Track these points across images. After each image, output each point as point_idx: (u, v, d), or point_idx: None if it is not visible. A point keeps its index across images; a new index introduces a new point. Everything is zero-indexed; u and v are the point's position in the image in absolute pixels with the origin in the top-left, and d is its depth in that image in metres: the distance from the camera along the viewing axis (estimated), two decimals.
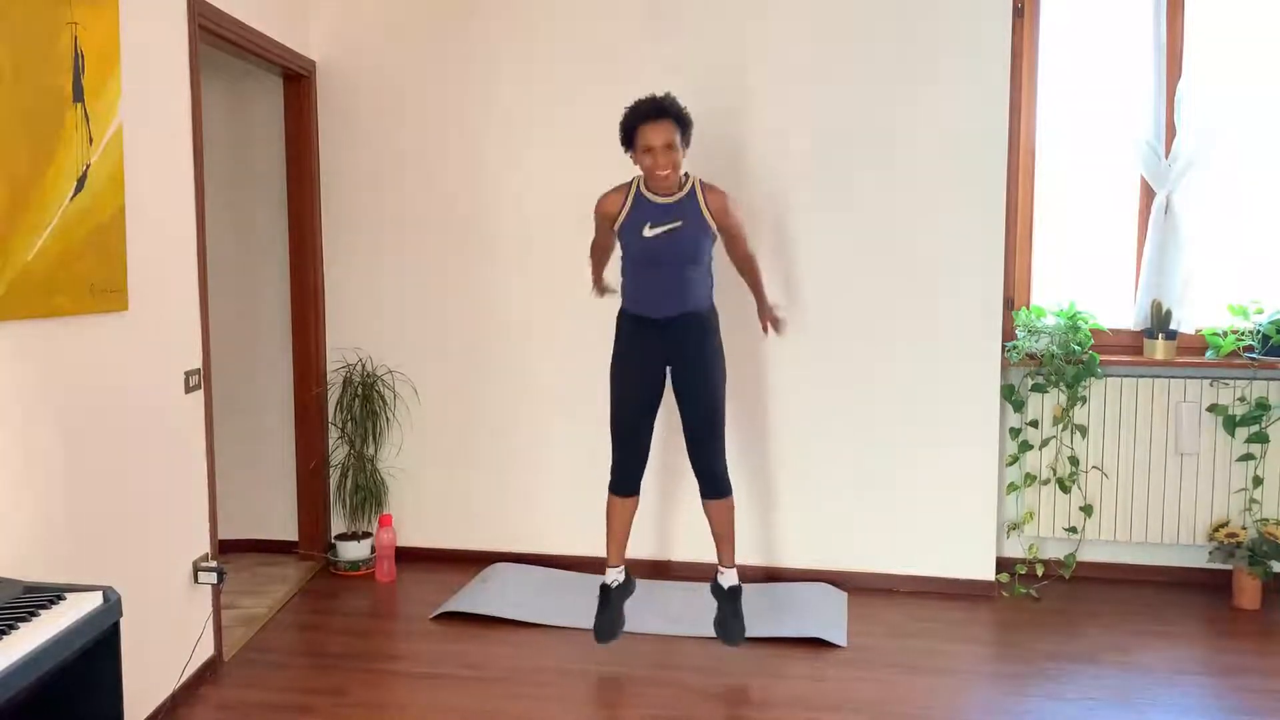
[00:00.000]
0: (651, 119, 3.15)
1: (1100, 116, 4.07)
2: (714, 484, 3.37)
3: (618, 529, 3.45)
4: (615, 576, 3.44)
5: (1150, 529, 4.06)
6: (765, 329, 3.59)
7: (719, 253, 3.43)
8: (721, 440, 3.37)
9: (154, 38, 3.00)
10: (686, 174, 3.28)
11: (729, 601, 3.39)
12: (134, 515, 2.90)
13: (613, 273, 3.62)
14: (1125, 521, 4.08)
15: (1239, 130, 3.96)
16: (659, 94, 3.23)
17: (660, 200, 3.23)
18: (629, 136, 3.21)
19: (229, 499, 4.31)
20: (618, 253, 3.45)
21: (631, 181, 3.32)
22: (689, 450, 3.39)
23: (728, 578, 3.41)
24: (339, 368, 4.42)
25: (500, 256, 4.29)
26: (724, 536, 3.41)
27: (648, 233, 3.23)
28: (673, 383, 3.38)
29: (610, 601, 3.41)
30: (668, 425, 3.61)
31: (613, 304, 4.18)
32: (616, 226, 3.32)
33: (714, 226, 3.28)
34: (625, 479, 3.42)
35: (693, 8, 4.06)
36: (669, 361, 3.36)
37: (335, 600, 4.05)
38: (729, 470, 3.42)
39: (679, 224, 3.22)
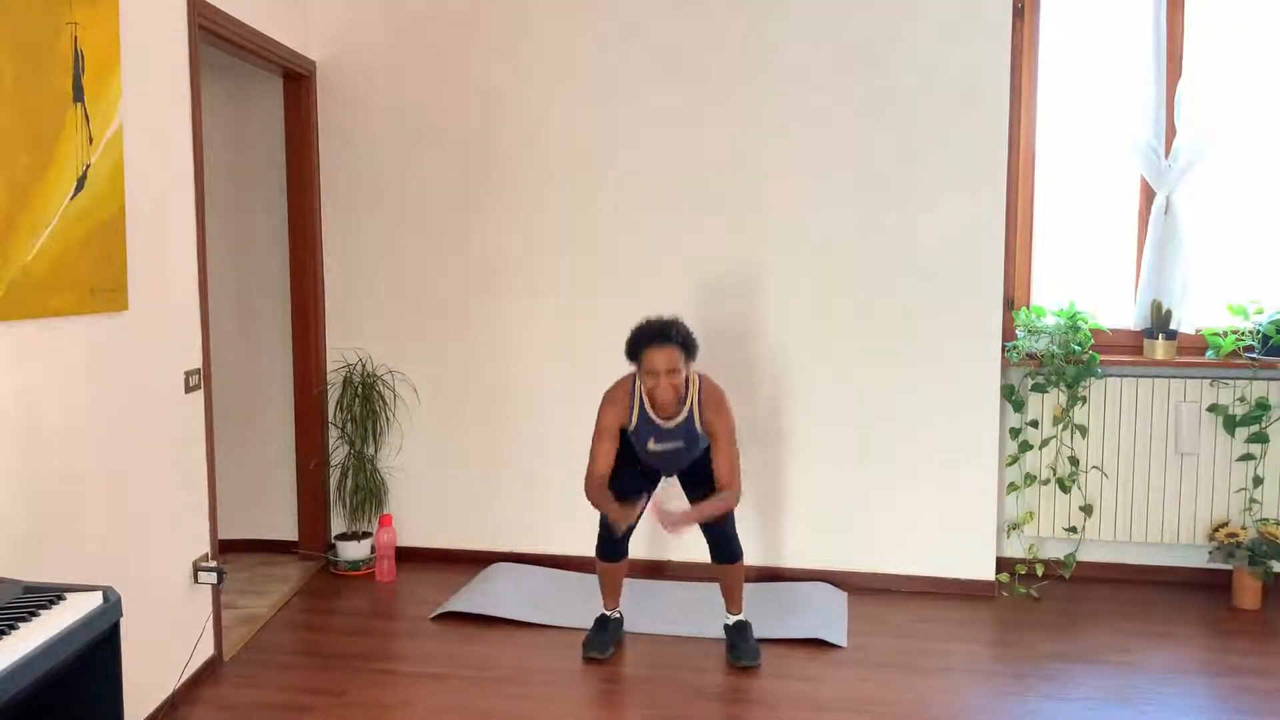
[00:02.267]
0: (657, 344, 3.18)
1: (1100, 116, 4.07)
2: (726, 551, 3.42)
3: (611, 582, 3.54)
4: (614, 613, 3.57)
5: (1150, 529, 4.06)
6: (662, 519, 3.16)
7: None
8: (732, 515, 3.39)
9: (154, 38, 3.00)
10: (687, 381, 3.28)
11: (738, 633, 3.46)
12: (134, 515, 2.90)
13: None
14: (1125, 521, 4.08)
15: (1239, 130, 3.96)
16: (667, 317, 3.26)
17: (663, 424, 3.29)
18: (634, 354, 3.25)
19: (229, 499, 4.31)
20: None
21: (632, 387, 3.32)
22: (700, 526, 3.38)
23: (734, 616, 3.49)
24: (339, 368, 4.42)
25: (500, 256, 4.29)
26: (733, 593, 3.48)
27: (652, 446, 3.32)
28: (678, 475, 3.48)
29: (607, 629, 3.50)
30: None
31: (612, 306, 4.19)
32: (622, 429, 3.35)
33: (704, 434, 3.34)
34: (613, 550, 3.48)
35: None
36: None
37: (335, 600, 4.05)
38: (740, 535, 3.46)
39: (680, 445, 3.32)
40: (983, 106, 3.90)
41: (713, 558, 3.44)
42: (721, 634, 3.52)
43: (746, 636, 3.43)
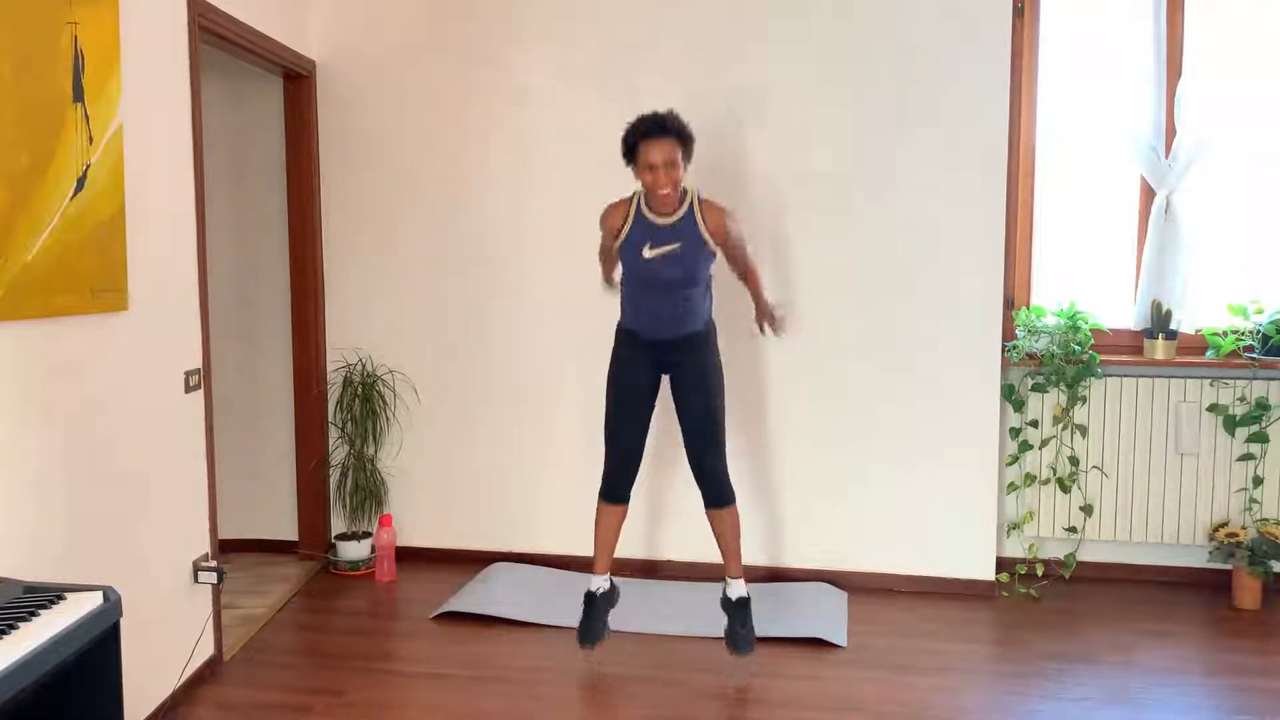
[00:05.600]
0: (653, 136, 3.11)
1: (1100, 116, 4.07)
2: (717, 491, 3.35)
3: (606, 537, 3.46)
4: (600, 584, 3.43)
5: (1150, 529, 4.06)
6: (761, 329, 3.51)
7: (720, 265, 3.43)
8: (722, 449, 3.36)
9: (154, 38, 3.00)
10: (686, 189, 3.25)
11: (738, 612, 3.38)
12: (134, 515, 2.90)
13: None
14: (1125, 521, 4.08)
15: (1239, 130, 3.96)
16: (662, 110, 3.19)
17: (660, 221, 3.21)
18: (630, 151, 3.19)
19: (229, 499, 4.31)
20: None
21: (633, 197, 3.29)
22: (690, 459, 3.38)
23: (735, 588, 3.39)
24: (339, 368, 4.42)
25: (500, 256, 4.29)
26: (730, 547, 3.41)
27: (647, 254, 3.22)
28: (672, 394, 3.40)
29: (595, 608, 3.41)
30: (659, 426, 3.62)
31: (612, 307, 4.18)
32: (617, 244, 3.31)
33: (712, 245, 3.26)
34: (616, 486, 3.42)
35: (697, 8, 4.07)
36: (668, 375, 3.39)
37: (335, 600, 4.05)
38: (731, 478, 3.40)
39: (677, 246, 3.21)
40: (983, 106, 3.90)
41: (705, 502, 3.37)
42: (719, 634, 3.44)
43: (745, 619, 3.34)
